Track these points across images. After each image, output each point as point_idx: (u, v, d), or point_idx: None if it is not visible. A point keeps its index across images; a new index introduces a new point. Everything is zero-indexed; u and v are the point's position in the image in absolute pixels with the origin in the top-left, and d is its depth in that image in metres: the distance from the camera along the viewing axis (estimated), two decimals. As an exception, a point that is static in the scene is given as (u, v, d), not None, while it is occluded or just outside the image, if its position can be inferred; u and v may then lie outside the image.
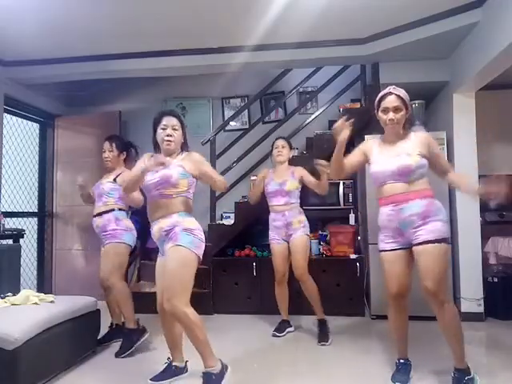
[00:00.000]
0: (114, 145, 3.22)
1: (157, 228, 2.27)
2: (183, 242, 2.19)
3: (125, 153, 3.29)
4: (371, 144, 2.48)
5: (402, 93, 2.31)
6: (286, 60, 3.95)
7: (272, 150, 3.46)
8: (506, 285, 3.75)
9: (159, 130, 2.33)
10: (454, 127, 3.79)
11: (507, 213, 4.03)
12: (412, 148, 2.29)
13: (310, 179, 3.29)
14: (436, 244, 2.18)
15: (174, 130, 2.31)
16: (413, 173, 2.25)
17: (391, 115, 2.29)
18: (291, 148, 3.47)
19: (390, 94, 2.30)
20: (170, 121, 2.32)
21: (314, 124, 4.53)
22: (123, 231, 3.10)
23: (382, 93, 2.36)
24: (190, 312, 2.17)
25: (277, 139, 3.47)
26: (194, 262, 2.22)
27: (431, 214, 2.22)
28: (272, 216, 3.38)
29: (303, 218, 3.34)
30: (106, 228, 3.09)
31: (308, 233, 3.34)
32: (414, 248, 2.25)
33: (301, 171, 3.34)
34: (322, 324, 3.27)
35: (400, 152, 2.30)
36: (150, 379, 2.37)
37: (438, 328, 2.27)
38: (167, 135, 2.29)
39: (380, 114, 2.35)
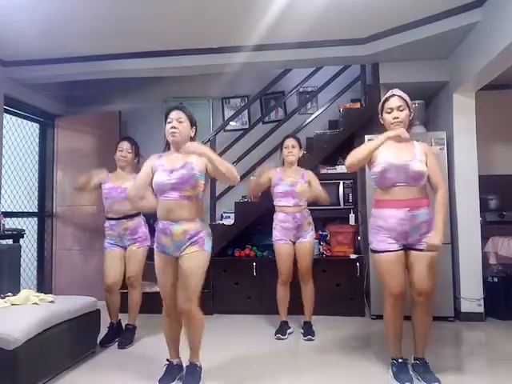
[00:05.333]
0: (133, 146, 3.30)
1: (180, 230, 2.25)
2: (207, 248, 2.32)
3: (137, 158, 3.35)
4: None
5: (405, 95, 2.42)
6: (286, 60, 3.95)
7: (281, 148, 3.36)
8: (506, 285, 3.75)
9: (166, 125, 2.36)
10: (454, 127, 3.79)
11: (507, 213, 4.02)
12: (422, 155, 2.37)
13: (316, 185, 3.28)
14: (435, 252, 2.35)
15: (180, 122, 2.33)
16: (424, 179, 2.34)
17: (396, 113, 2.38)
18: (301, 147, 3.36)
19: (393, 95, 2.42)
20: (175, 114, 2.35)
21: (314, 124, 4.53)
22: (149, 234, 3.22)
23: (385, 96, 2.46)
24: (199, 310, 2.35)
25: (287, 138, 3.37)
26: (208, 264, 2.37)
27: (432, 222, 2.36)
28: (281, 217, 3.28)
29: (311, 219, 3.35)
30: (138, 230, 3.19)
31: (314, 236, 3.37)
32: (416, 252, 2.36)
33: (310, 175, 3.32)
34: (308, 324, 3.33)
35: (412, 156, 2.35)
36: (159, 381, 2.34)
37: (417, 325, 2.42)
38: (172, 127, 2.32)
39: (385, 115, 2.43)
